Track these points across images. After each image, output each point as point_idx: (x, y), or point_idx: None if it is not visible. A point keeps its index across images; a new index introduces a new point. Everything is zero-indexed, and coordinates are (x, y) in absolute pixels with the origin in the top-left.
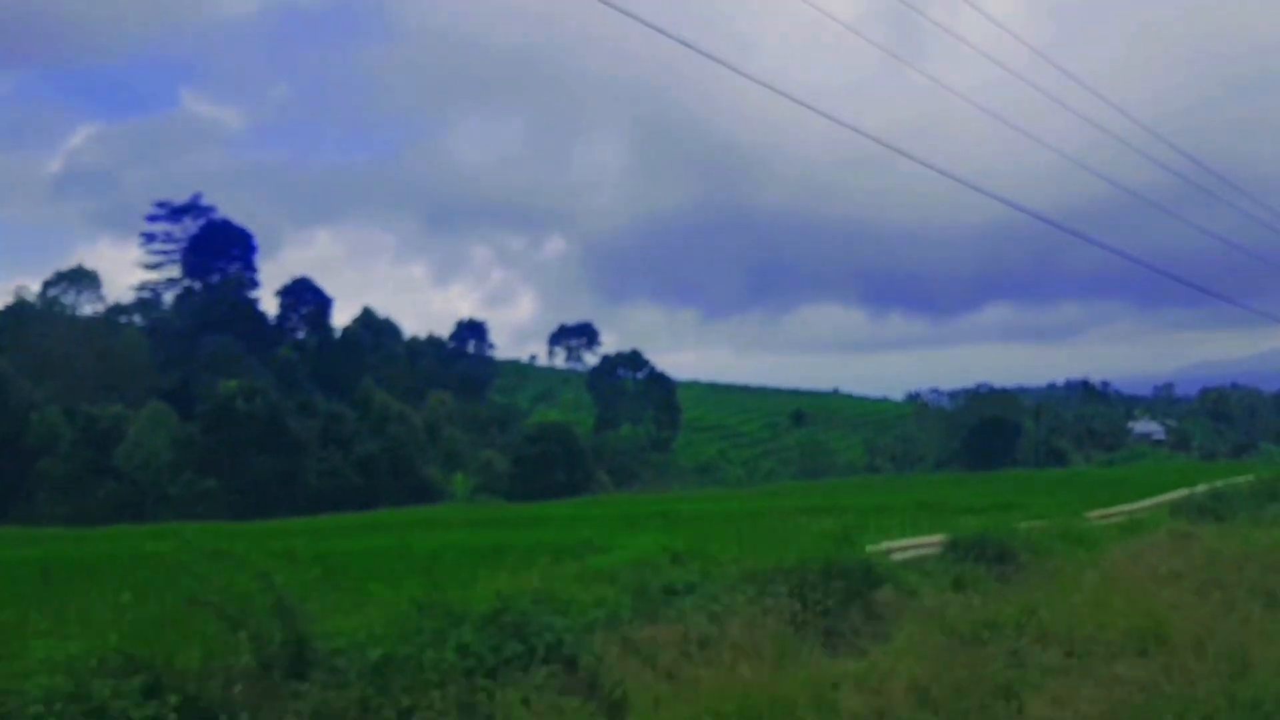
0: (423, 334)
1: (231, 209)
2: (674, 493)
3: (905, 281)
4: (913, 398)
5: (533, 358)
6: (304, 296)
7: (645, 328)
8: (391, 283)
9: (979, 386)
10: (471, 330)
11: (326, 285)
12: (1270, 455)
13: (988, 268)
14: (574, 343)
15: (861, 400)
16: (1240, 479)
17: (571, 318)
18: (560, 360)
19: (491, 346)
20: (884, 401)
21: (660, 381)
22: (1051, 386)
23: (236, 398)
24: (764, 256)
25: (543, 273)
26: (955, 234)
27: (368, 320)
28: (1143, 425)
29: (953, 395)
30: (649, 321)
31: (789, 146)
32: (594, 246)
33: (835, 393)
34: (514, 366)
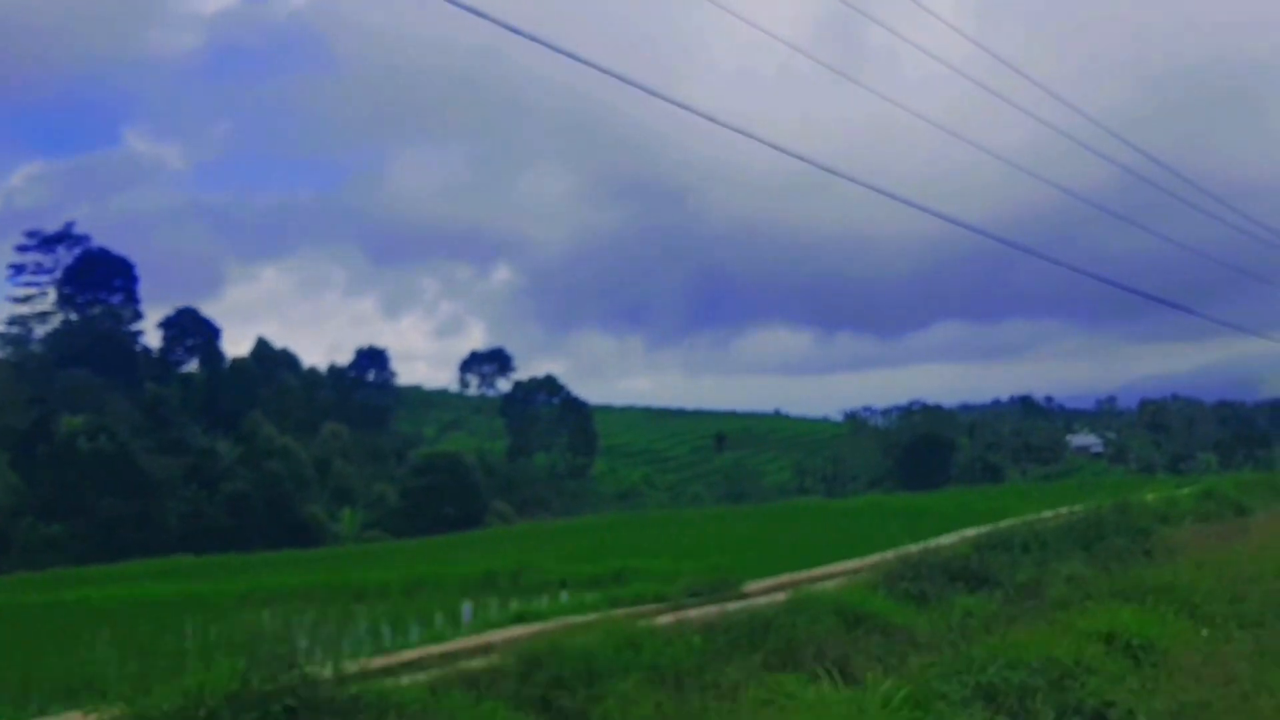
0: (325, 364)
1: (175, 246)
2: (585, 518)
3: (853, 301)
4: (850, 417)
5: (444, 387)
6: (189, 328)
7: (593, 354)
8: (338, 315)
9: (912, 404)
10: (372, 359)
11: (271, 320)
12: (1207, 464)
13: (935, 286)
14: (486, 369)
15: (800, 421)
16: (1069, 509)
17: (519, 346)
18: (473, 388)
19: (393, 375)
20: (824, 422)
21: (575, 407)
22: (996, 403)
23: (79, 436)
24: (710, 280)
25: (489, 302)
26: (902, 252)
27: (262, 351)
28: (1081, 439)
29: (886, 413)
30: (597, 348)
31: (733, 167)
32: (539, 274)
33: (776, 414)
34: (418, 394)
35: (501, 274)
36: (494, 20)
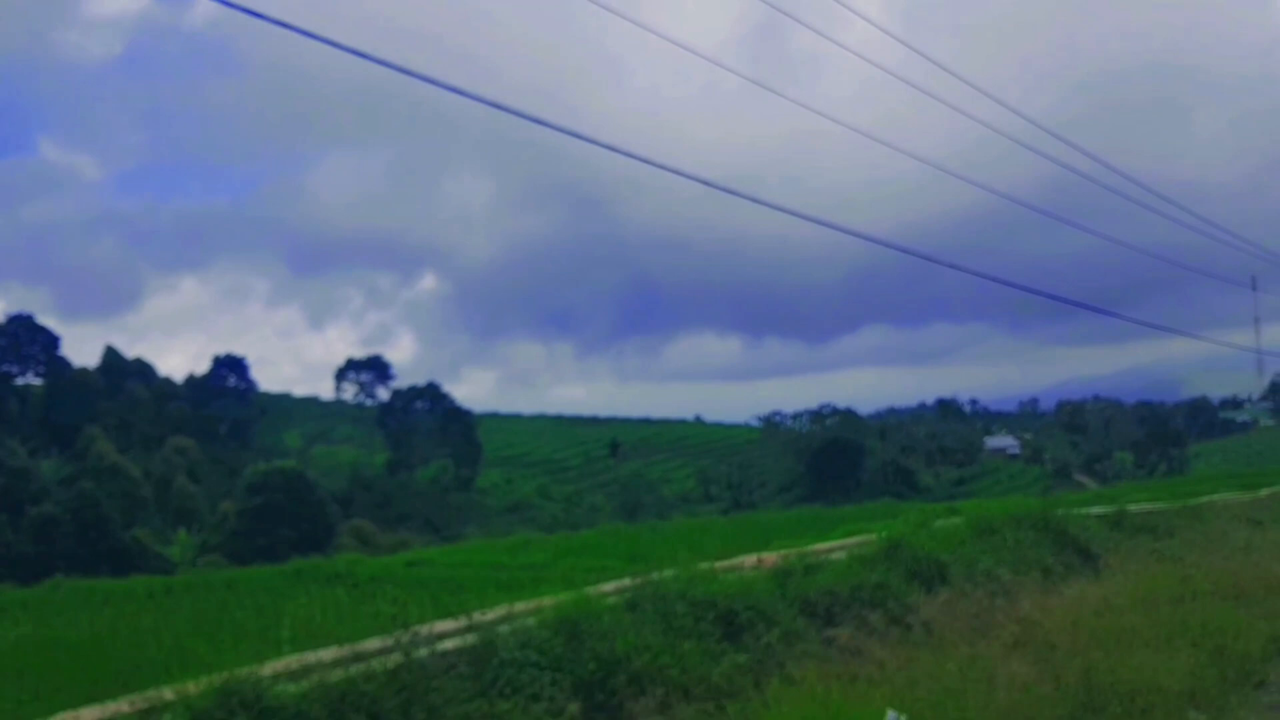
0: (184, 374)
1: (92, 256)
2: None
3: (780, 308)
4: (765, 421)
5: (313, 395)
6: (23, 336)
7: (522, 362)
8: (260, 327)
9: (823, 408)
10: (231, 367)
11: (187, 331)
12: (1122, 463)
13: (862, 291)
14: (364, 377)
15: (716, 427)
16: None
17: (445, 355)
18: (349, 395)
19: (253, 385)
20: (740, 428)
21: (458, 416)
22: (921, 406)
23: None
24: (638, 287)
25: (414, 311)
26: (829, 259)
27: (111, 362)
28: (997, 441)
29: (798, 418)
30: (526, 356)
31: (659, 174)
32: (466, 282)
33: (697, 420)
34: (287, 403)
35: (425, 283)
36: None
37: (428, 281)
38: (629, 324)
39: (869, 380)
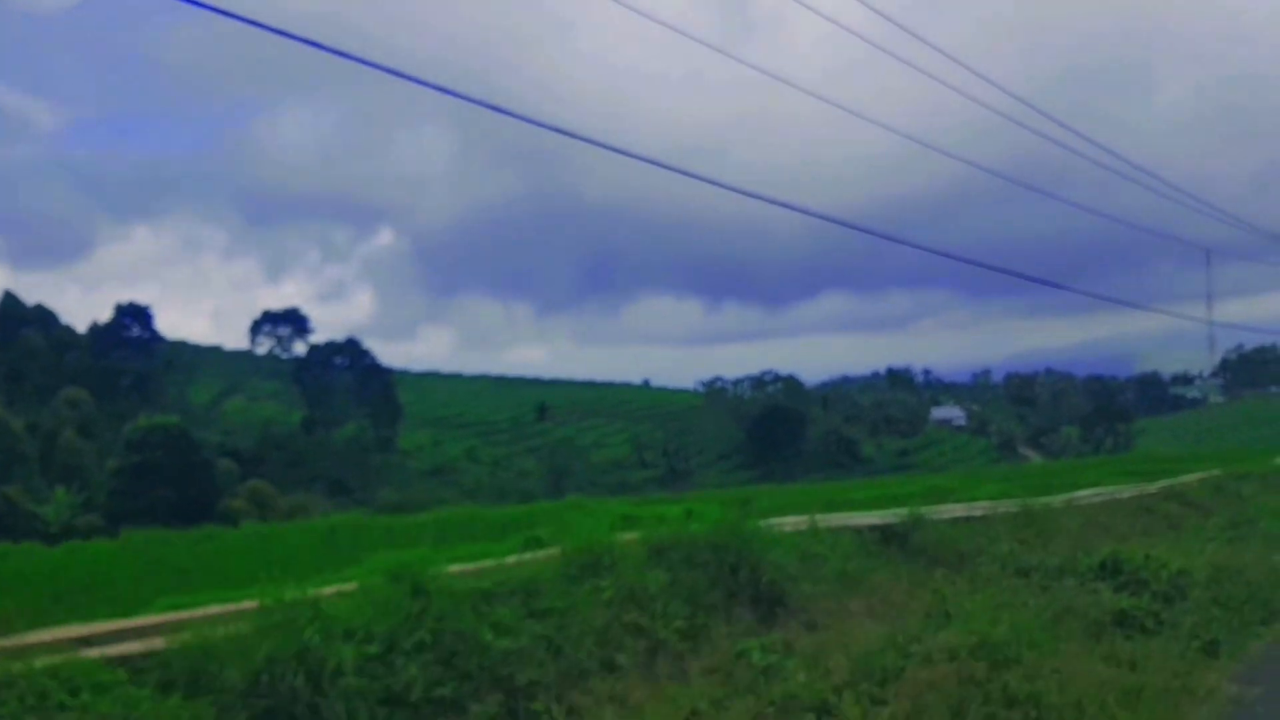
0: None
1: (46, 204)
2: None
3: (739, 272)
4: (707, 387)
5: (218, 346)
6: None
7: (480, 322)
8: (215, 279)
9: (765, 374)
10: (134, 315)
11: (143, 283)
12: (1069, 437)
13: (822, 258)
14: (282, 330)
15: (660, 391)
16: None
17: (401, 313)
18: (264, 349)
19: (157, 335)
20: (685, 393)
21: (377, 373)
22: (876, 375)
23: None
24: (597, 248)
25: (371, 267)
26: (789, 224)
27: (9, 308)
28: (943, 411)
29: (737, 383)
30: (483, 315)
31: (618, 133)
32: (423, 239)
33: (645, 385)
34: (192, 353)
35: (380, 239)
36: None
37: (383, 238)
38: (587, 286)
39: (827, 347)
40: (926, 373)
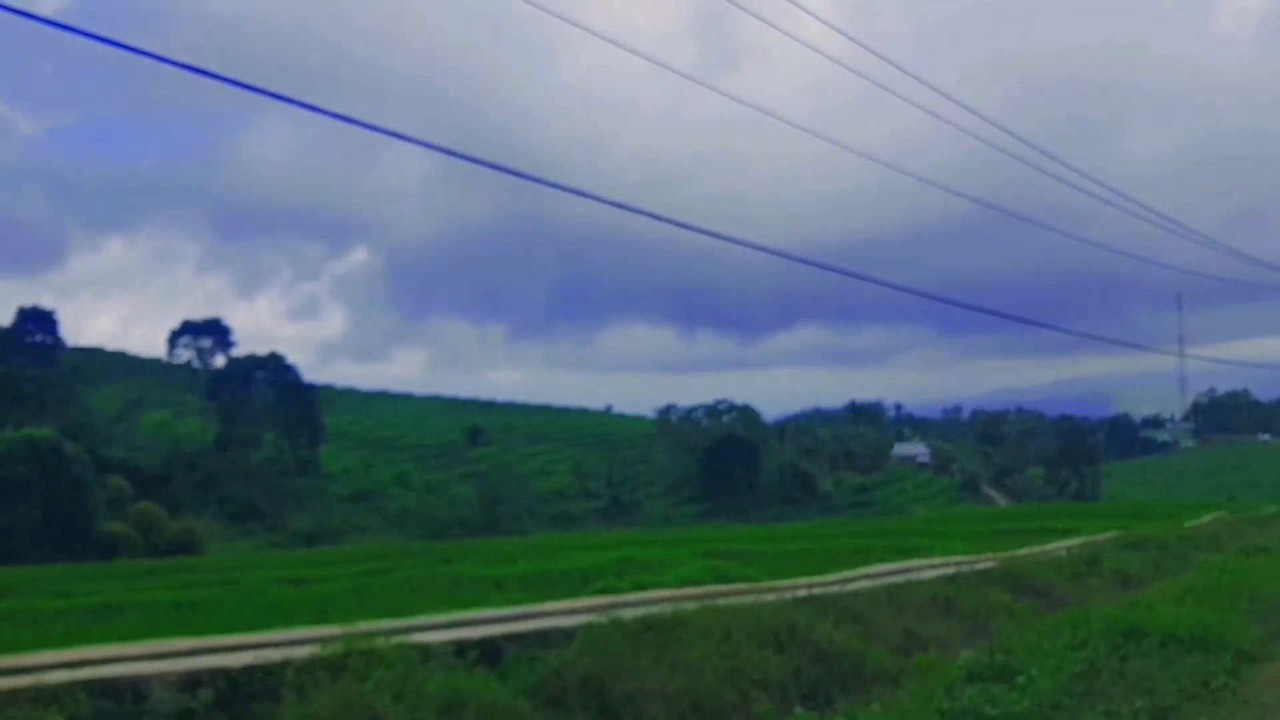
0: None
1: (18, 212)
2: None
3: (713, 301)
4: (661, 414)
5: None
6: None
7: (452, 343)
8: (186, 294)
9: (719, 403)
10: (37, 320)
11: (109, 294)
12: (1034, 478)
13: (795, 289)
14: (203, 341)
15: (618, 418)
16: None
17: (372, 334)
18: (183, 360)
19: (61, 343)
20: (640, 419)
21: (297, 390)
22: (852, 405)
23: None
24: (571, 272)
25: (344, 285)
26: (763, 254)
27: None
28: (908, 448)
29: (691, 412)
30: (454, 337)
31: (594, 162)
32: (395, 258)
33: (608, 411)
34: (101, 360)
35: (358, 256)
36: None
37: (355, 256)
38: (559, 310)
39: (799, 380)
40: (898, 408)
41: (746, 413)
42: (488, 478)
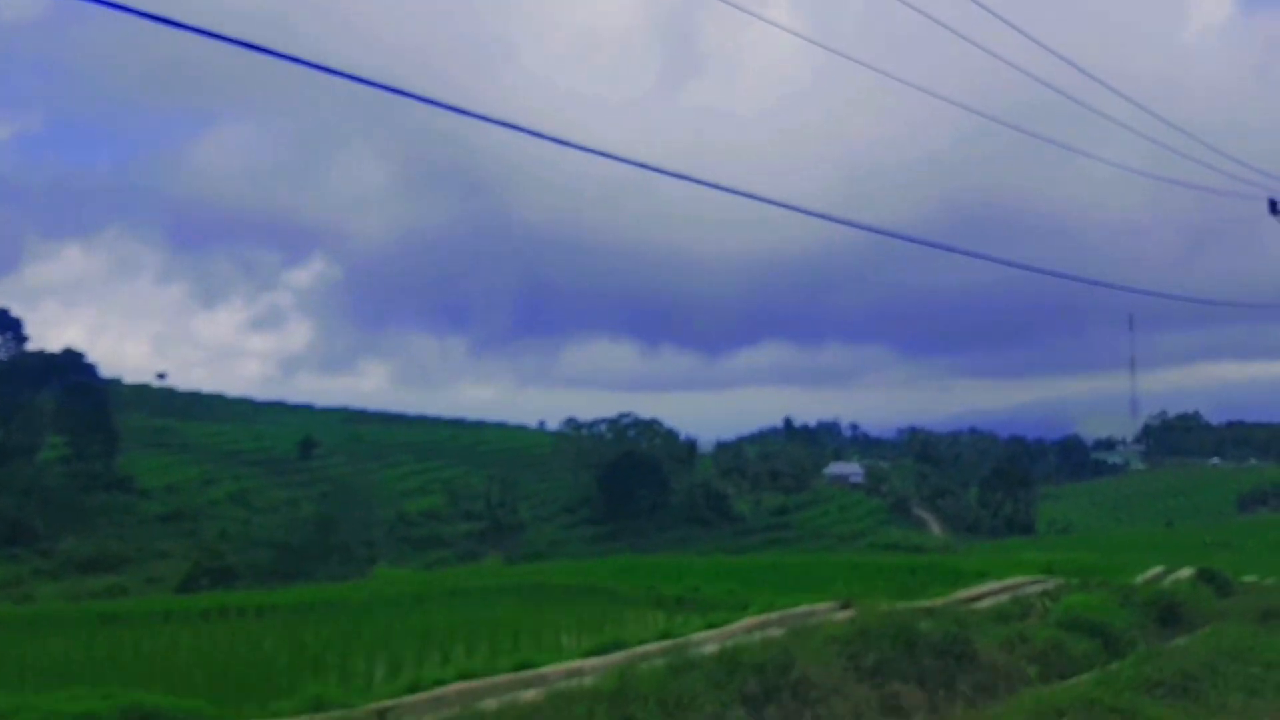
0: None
1: None
2: None
3: (678, 315)
4: (564, 427)
5: None
6: None
7: (415, 356)
8: (143, 304)
9: (622, 417)
10: None
11: (58, 305)
12: (969, 500)
13: (761, 303)
14: None
15: (522, 431)
16: None
17: (333, 345)
18: None
19: None
20: (534, 431)
21: (88, 391)
22: (786, 424)
23: None
24: (534, 284)
25: (302, 295)
26: (728, 265)
27: None
28: (840, 467)
29: (593, 425)
30: (418, 349)
31: (556, 167)
32: (356, 268)
33: (540, 427)
34: None
35: (315, 265)
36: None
37: (315, 264)
38: (522, 325)
39: (764, 397)
40: (854, 427)
41: (653, 426)
42: (328, 497)
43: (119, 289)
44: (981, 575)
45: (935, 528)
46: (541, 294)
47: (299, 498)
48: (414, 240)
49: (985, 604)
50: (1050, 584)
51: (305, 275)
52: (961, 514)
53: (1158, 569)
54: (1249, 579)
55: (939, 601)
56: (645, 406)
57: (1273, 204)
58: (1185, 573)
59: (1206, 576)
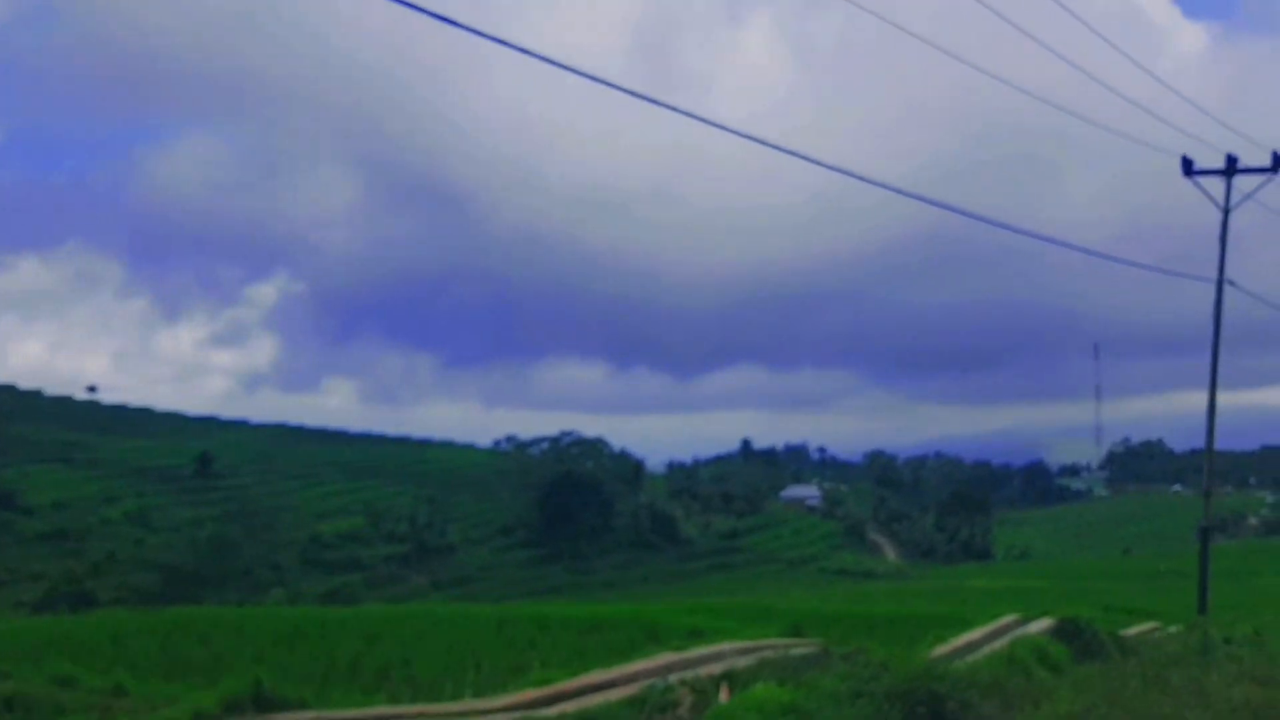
0: None
1: None
2: None
3: (649, 337)
4: (507, 445)
5: None
6: None
7: (382, 374)
8: (95, 322)
9: (562, 435)
10: None
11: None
12: (925, 525)
13: (734, 326)
14: None
15: (468, 450)
16: None
17: (296, 362)
18: None
19: None
20: (477, 451)
21: None
22: (743, 446)
23: None
24: (501, 304)
25: (266, 311)
26: (701, 287)
27: None
28: (798, 490)
29: (531, 444)
30: (386, 367)
31: (524, 186)
32: (320, 287)
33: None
34: None
35: (279, 282)
36: None
37: (279, 281)
38: (491, 345)
39: (738, 421)
40: (822, 450)
41: (595, 446)
42: (231, 516)
43: (78, 303)
44: (696, 633)
45: (890, 552)
46: (512, 314)
47: (204, 517)
48: (384, 262)
49: (617, 693)
50: (763, 654)
51: (269, 291)
52: (918, 539)
53: (1010, 618)
54: (1144, 626)
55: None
56: (614, 428)
57: (1187, 164)
58: (1043, 624)
59: (1067, 631)
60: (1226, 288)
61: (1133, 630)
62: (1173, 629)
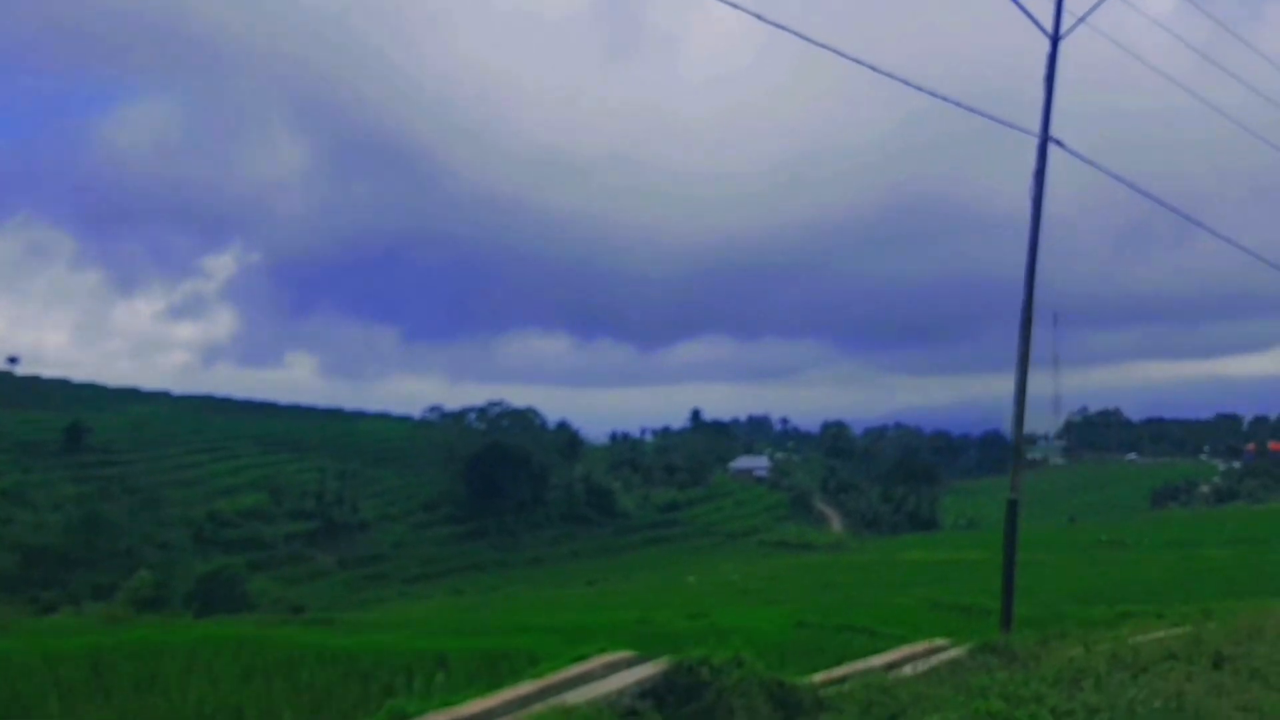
0: None
1: None
2: None
3: (613, 308)
4: (426, 415)
5: None
6: None
7: (343, 348)
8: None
9: (490, 405)
10: None
11: None
12: (870, 497)
13: (699, 298)
14: None
15: (378, 419)
16: None
17: (256, 335)
18: None
19: None
20: (402, 421)
21: None
22: (694, 417)
23: None
24: (462, 273)
25: (219, 282)
26: (665, 258)
27: None
28: (746, 461)
29: (459, 415)
30: (346, 340)
31: (484, 150)
32: (276, 256)
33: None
34: None
35: (233, 253)
36: None
37: (233, 251)
38: (455, 320)
39: (704, 392)
40: (784, 421)
41: (525, 416)
42: (107, 493)
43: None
44: None
45: (836, 523)
46: (476, 283)
47: (87, 494)
48: (342, 231)
49: None
50: None
51: (225, 262)
52: (864, 509)
53: (622, 654)
54: (910, 649)
55: None
56: (577, 402)
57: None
58: (646, 672)
59: (676, 688)
60: (1053, 148)
61: (877, 660)
62: (960, 650)
